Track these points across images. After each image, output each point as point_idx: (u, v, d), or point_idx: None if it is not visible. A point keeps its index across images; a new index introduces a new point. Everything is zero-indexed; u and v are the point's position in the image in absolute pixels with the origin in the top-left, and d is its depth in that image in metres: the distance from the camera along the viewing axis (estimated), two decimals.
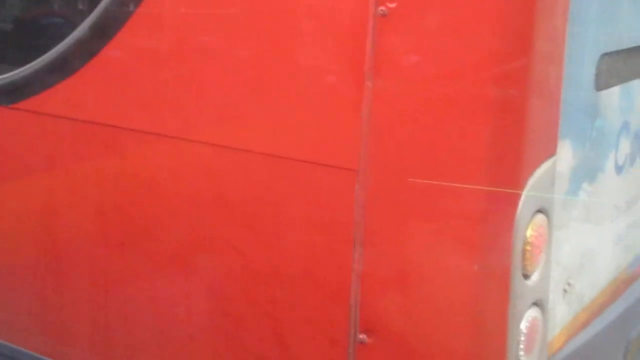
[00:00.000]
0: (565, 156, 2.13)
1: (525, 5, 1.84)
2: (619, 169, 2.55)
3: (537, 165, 1.96)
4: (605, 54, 2.25)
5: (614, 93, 2.40)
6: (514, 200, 1.91)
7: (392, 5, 1.88)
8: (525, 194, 1.92)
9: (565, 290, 2.30)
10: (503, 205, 1.91)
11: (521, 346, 2.03)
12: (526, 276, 2.01)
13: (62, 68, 2.48)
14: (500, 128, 1.87)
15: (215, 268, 2.31)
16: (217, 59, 2.18)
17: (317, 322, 2.16)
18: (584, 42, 2.13)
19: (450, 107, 1.88)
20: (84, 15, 2.40)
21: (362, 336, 2.07)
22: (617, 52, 2.35)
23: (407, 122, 1.93)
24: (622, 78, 2.45)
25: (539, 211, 2.01)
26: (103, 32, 2.37)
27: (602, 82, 2.28)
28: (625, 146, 2.57)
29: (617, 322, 2.73)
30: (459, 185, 1.88)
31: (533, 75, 1.89)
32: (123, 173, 2.43)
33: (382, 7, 1.89)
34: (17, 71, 2.57)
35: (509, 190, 1.87)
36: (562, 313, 2.31)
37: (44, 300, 2.69)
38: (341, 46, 1.99)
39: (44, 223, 2.66)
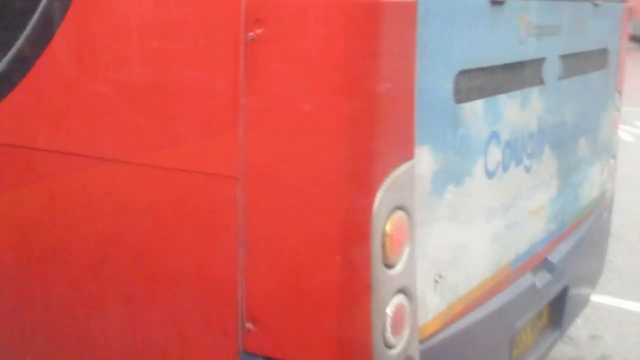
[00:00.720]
0: (425, 160, 2.32)
1: (371, 29, 2.04)
2: (490, 174, 2.74)
3: (392, 168, 2.15)
4: (463, 72, 2.44)
5: (477, 106, 2.60)
6: (370, 199, 2.10)
7: (259, 31, 2.08)
8: (380, 193, 2.11)
9: (436, 281, 2.48)
10: (360, 203, 2.10)
11: (388, 328, 2.21)
12: (389, 266, 2.20)
13: None
14: (354, 137, 2.07)
15: (122, 273, 2.48)
16: (110, 82, 2.37)
17: (211, 315, 2.33)
18: (438, 60, 2.33)
19: (310, 120, 2.08)
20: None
21: (248, 325, 2.25)
22: (476, 70, 2.56)
23: (276, 133, 2.12)
24: (485, 93, 2.64)
25: (399, 208, 2.20)
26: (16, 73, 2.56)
27: (462, 96, 2.47)
28: (495, 154, 2.76)
29: (501, 312, 2.91)
30: (321, 188, 2.08)
31: (382, 92, 2.09)
32: (39, 191, 2.60)
33: (250, 33, 2.09)
34: None
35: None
36: (434, 301, 2.49)
37: None
38: (219, 68, 2.19)
39: None
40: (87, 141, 2.44)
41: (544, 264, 3.34)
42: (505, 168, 2.88)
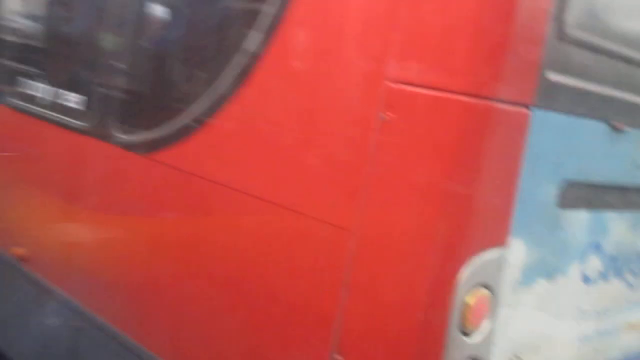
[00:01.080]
0: (518, 251, 2.44)
1: (481, 129, 2.24)
2: (586, 279, 2.80)
3: (481, 249, 2.31)
4: (571, 182, 2.55)
5: (582, 216, 2.69)
6: (456, 271, 2.27)
7: (389, 114, 2.33)
8: (467, 269, 2.28)
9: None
10: (447, 273, 2.28)
11: None
12: (465, 334, 2.33)
13: (184, 131, 3.05)
14: (450, 216, 2.28)
15: (251, 290, 2.77)
16: (274, 140, 2.72)
17: (311, 342, 2.57)
18: (547, 166, 2.46)
19: (417, 194, 2.30)
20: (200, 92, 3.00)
21: (339, 357, 2.45)
22: (585, 183, 2.65)
23: (389, 200, 2.36)
24: (592, 206, 2.72)
25: (483, 285, 2.34)
26: (214, 107, 2.94)
27: (567, 203, 2.58)
28: (595, 263, 2.82)
29: None
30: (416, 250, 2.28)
31: (482, 185, 2.28)
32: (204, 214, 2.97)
33: (383, 115, 2.34)
34: (153, 129, 3.17)
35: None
36: None
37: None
38: (354, 138, 2.46)
39: (151, 253, 3.23)
40: (244, 179, 2.78)
41: None
42: (605, 278, 2.92)
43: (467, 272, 2.28)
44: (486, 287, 2.37)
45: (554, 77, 2.34)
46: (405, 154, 2.33)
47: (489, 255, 2.34)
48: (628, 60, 2.72)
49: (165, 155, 3.12)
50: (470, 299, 2.32)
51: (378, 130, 2.36)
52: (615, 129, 2.71)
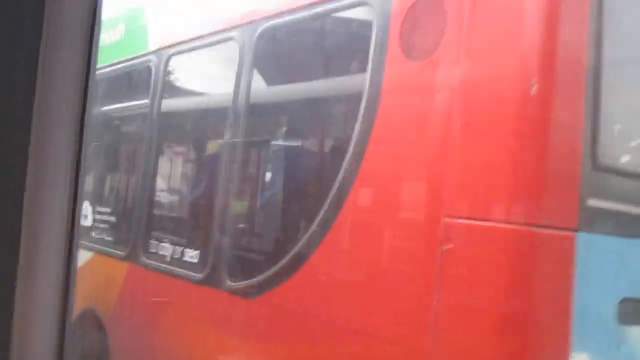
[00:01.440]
0: None
1: (528, 254, 2.38)
2: None
3: None
4: (625, 297, 2.60)
5: None
6: None
7: (450, 246, 2.50)
8: None
9: None
10: None
11: None
12: None
13: (280, 277, 3.31)
14: (511, 336, 2.36)
15: None
16: (356, 279, 2.92)
17: None
18: (600, 285, 2.53)
19: (481, 316, 2.43)
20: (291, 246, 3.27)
21: None
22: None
23: (459, 322, 2.48)
24: None
25: None
26: (302, 258, 3.19)
27: (627, 319, 2.61)
28: None
29: None
30: None
31: (536, 308, 2.39)
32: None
33: (444, 247, 2.52)
34: (257, 277, 3.45)
35: None
36: None
37: None
38: (421, 269, 2.63)
39: None
40: (332, 312, 2.97)
41: None
42: None
43: None
44: None
45: (593, 202, 2.47)
46: (465, 280, 2.48)
47: None
48: None
49: (266, 297, 3.36)
50: None
51: (440, 261, 2.53)
52: None
